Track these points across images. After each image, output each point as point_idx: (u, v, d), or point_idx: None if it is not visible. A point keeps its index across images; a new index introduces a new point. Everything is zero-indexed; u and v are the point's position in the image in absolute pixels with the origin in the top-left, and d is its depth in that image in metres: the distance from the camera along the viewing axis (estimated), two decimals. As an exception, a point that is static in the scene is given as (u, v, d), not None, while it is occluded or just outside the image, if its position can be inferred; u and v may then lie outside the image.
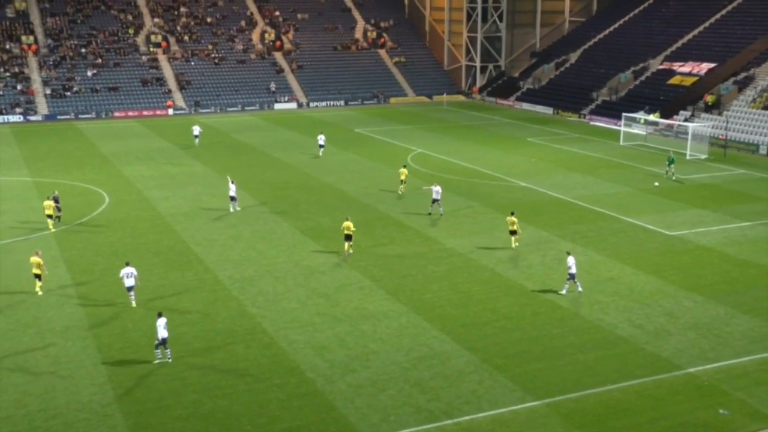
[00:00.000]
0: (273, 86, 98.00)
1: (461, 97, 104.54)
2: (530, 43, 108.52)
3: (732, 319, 30.38)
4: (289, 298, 32.48)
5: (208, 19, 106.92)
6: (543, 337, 28.74)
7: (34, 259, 33.12)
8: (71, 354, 27.23)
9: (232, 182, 46.68)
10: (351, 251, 37.79)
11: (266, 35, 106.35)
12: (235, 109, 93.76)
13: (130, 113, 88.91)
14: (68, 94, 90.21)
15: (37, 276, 32.95)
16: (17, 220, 44.18)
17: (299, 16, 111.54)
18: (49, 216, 42.30)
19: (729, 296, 32.73)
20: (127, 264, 31.85)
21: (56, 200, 42.98)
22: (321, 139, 64.62)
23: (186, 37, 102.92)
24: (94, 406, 23.76)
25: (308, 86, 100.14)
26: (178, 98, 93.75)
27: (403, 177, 50.91)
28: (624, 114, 72.61)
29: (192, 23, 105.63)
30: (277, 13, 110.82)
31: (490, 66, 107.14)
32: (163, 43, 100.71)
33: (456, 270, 36.00)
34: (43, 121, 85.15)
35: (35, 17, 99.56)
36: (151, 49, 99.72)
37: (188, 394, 24.49)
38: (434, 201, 45.03)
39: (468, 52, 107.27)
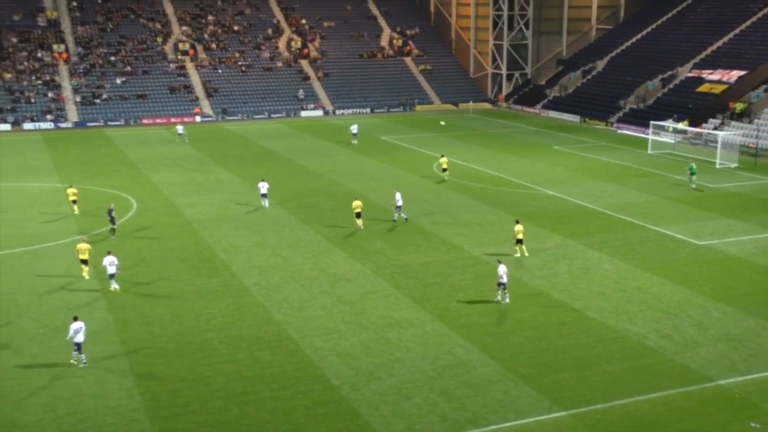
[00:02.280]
0: (301, 94, 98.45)
1: (487, 105, 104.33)
2: (557, 50, 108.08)
3: (764, 330, 29.93)
4: (315, 306, 32.52)
5: (235, 27, 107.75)
6: (569, 347, 28.51)
7: (82, 245, 35.39)
8: (99, 358, 27.43)
9: (263, 180, 49.24)
10: (362, 227, 42.49)
11: (293, 43, 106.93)
12: (262, 116, 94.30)
13: (158, 120, 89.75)
14: (97, 101, 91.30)
15: (85, 261, 35.13)
16: (47, 226, 44.70)
17: (325, 24, 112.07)
18: (74, 201, 47.03)
19: (760, 307, 32.25)
20: (109, 253, 34.16)
21: (111, 212, 42.81)
22: (354, 128, 69.00)
23: (213, 45, 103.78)
24: (121, 410, 23.93)
25: (334, 94, 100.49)
26: (206, 105, 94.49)
27: (444, 165, 56.18)
28: (652, 122, 72.02)
29: (219, 31, 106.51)
30: (304, 21, 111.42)
31: (516, 74, 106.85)
32: (191, 51, 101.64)
33: (482, 278, 35.83)
34: (73, 128, 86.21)
35: (66, 26, 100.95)
36: (179, 57, 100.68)
37: (214, 400, 24.58)
38: (398, 208, 45.12)
39: (494, 59, 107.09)
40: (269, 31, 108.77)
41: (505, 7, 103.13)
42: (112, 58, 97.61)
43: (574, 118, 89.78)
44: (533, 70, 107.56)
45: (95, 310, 31.97)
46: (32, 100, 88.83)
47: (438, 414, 23.74)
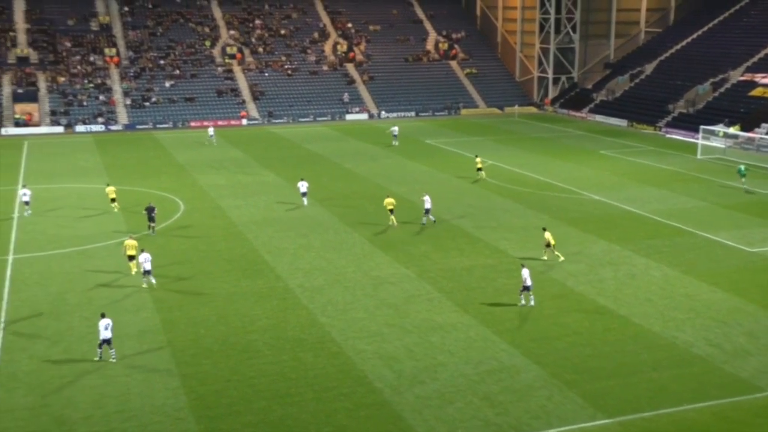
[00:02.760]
0: (346, 97, 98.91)
1: (533, 109, 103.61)
2: (604, 54, 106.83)
3: (815, 340, 29.22)
4: (358, 308, 32.62)
5: (282, 31, 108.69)
6: (615, 354, 28.15)
7: (130, 242, 36.70)
8: (146, 358, 27.91)
9: (303, 180, 50.97)
10: (395, 223, 44.02)
11: (338, 47, 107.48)
12: (307, 119, 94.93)
13: (206, 123, 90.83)
14: (147, 104, 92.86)
15: (132, 257, 36.29)
16: (97, 226, 45.58)
17: (371, 27, 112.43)
18: (113, 199, 49.21)
19: (812, 316, 31.50)
20: (143, 250, 35.24)
21: (151, 210, 44.02)
22: (395, 130, 72.92)
23: (260, 49, 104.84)
24: (167, 409, 24.29)
25: (379, 97, 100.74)
26: (252, 109, 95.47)
27: (479, 165, 57.65)
28: (702, 127, 70.75)
29: (266, 35, 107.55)
30: (350, 24, 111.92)
31: (563, 77, 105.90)
32: (238, 55, 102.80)
33: (526, 283, 35.59)
34: (123, 130, 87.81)
35: (118, 30, 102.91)
36: (227, 61, 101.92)
37: (258, 401, 24.81)
38: (426, 211, 45.24)
39: (540, 63, 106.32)
40: (315, 34, 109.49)
41: (552, 11, 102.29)
42: (162, 62, 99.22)
43: (622, 123, 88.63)
44: (580, 73, 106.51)
45: (142, 309, 32.50)
46: (84, 103, 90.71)
47: (481, 419, 23.64)
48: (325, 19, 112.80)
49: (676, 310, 32.17)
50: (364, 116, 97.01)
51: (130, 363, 27.43)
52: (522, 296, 32.75)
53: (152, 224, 43.74)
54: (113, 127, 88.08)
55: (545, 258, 38.69)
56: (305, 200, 50.21)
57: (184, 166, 65.03)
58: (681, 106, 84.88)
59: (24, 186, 50.57)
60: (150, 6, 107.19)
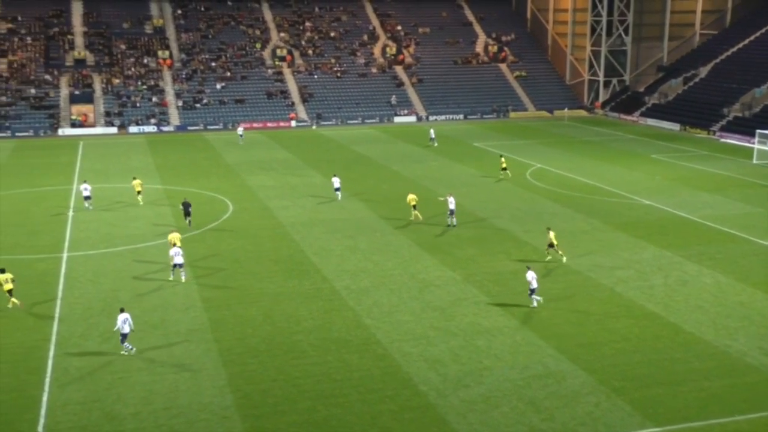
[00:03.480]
0: (394, 99, 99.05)
1: (583, 112, 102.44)
2: (657, 56, 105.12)
3: None
4: (404, 311, 32.60)
5: (332, 34, 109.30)
6: (664, 361, 27.64)
7: (174, 234, 38.46)
8: (194, 356, 28.27)
9: (336, 176, 53.26)
10: (416, 218, 45.96)
11: (387, 49, 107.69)
12: (356, 121, 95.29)
13: (255, 125, 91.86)
14: (198, 105, 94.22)
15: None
16: (148, 226, 46.35)
17: (420, 30, 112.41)
18: (138, 192, 51.46)
19: None
20: (174, 245, 36.65)
21: (187, 206, 45.43)
22: (432, 132, 75.94)
23: (310, 51, 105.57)
24: (214, 407, 24.57)
25: (428, 100, 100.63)
26: (301, 111, 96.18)
27: (503, 165, 59.52)
28: (758, 131, 69.13)
29: (316, 37, 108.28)
30: (399, 27, 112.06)
31: (614, 80, 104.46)
32: (288, 57, 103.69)
33: (573, 288, 35.19)
34: (174, 131, 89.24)
35: (171, 33, 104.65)
36: (277, 63, 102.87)
37: (303, 401, 24.94)
38: (451, 212, 45.23)
39: (591, 66, 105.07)
40: (365, 37, 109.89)
41: (603, 13, 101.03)
42: (213, 64, 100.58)
43: (674, 127, 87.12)
44: (632, 76, 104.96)
45: (191, 308, 32.94)
46: (137, 105, 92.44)
47: (526, 424, 23.42)
48: (375, 22, 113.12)
49: (728, 318, 31.47)
50: (413, 119, 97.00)
51: (178, 361, 27.81)
52: (532, 298, 32.75)
53: (188, 218, 45.32)
54: (165, 128, 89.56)
55: (548, 259, 38.55)
56: (339, 195, 52.32)
57: (233, 166, 65.79)
58: (736, 110, 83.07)
59: (84, 182, 52.13)
60: (202, 9, 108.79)
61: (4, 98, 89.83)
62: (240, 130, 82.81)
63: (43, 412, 24.26)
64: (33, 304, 33.48)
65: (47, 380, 26.35)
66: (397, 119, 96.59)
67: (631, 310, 32.49)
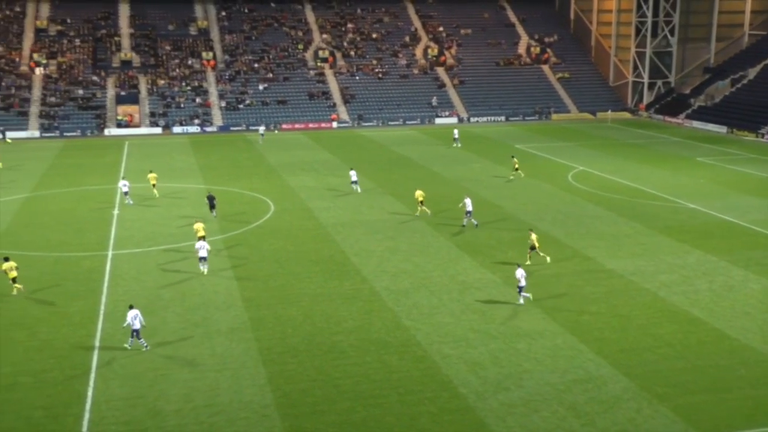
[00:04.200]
0: (435, 101, 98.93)
1: (626, 114, 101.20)
2: (704, 58, 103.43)
3: None
4: (444, 313, 32.53)
5: (374, 35, 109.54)
6: (709, 368, 27.18)
7: (198, 225, 40.61)
8: (235, 354, 28.55)
9: (352, 169, 56.43)
10: (419, 213, 47.67)
11: (429, 50, 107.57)
12: (397, 123, 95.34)
13: (297, 125, 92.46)
14: (241, 106, 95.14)
15: (202, 238, 39.29)
16: (191, 225, 46.83)
17: (462, 31, 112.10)
18: (154, 185, 54.30)
19: None
20: (202, 239, 38.40)
21: (212, 199, 48.40)
22: (455, 133, 77.49)
23: (352, 52, 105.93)
24: (254, 406, 24.78)
25: (469, 101, 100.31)
26: (342, 112, 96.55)
27: (516, 166, 59.93)
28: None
29: (358, 39, 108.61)
30: (441, 28, 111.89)
31: (659, 82, 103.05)
32: (330, 58, 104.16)
33: (615, 292, 34.79)
34: (217, 132, 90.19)
35: (215, 34, 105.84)
36: (319, 64, 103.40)
37: (342, 401, 25.03)
38: (468, 213, 45.52)
39: (635, 67, 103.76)
40: (407, 38, 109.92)
41: (649, 14, 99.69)
42: (256, 65, 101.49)
43: (721, 129, 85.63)
44: (677, 78, 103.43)
45: (232, 307, 33.27)
46: (182, 105, 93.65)
47: (566, 429, 23.21)
48: (417, 23, 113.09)
49: (775, 325, 30.85)
50: (454, 120, 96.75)
51: (219, 359, 28.10)
52: (521, 296, 33.23)
53: (214, 211, 47.92)
54: (208, 129, 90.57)
55: (529, 262, 38.31)
56: (356, 187, 55.25)
57: (275, 167, 66.28)
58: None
59: (123, 178, 54.05)
60: (246, 10, 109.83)
61: (53, 99, 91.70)
62: (261, 129, 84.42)
63: (88, 407, 24.71)
64: (78, 300, 34.15)
65: (92, 376, 26.84)
66: (438, 121, 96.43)
67: (675, 316, 32.01)
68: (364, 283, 36.22)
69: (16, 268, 35.04)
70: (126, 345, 29.01)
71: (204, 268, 37.48)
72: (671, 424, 23.41)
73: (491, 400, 24.97)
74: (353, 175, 56.01)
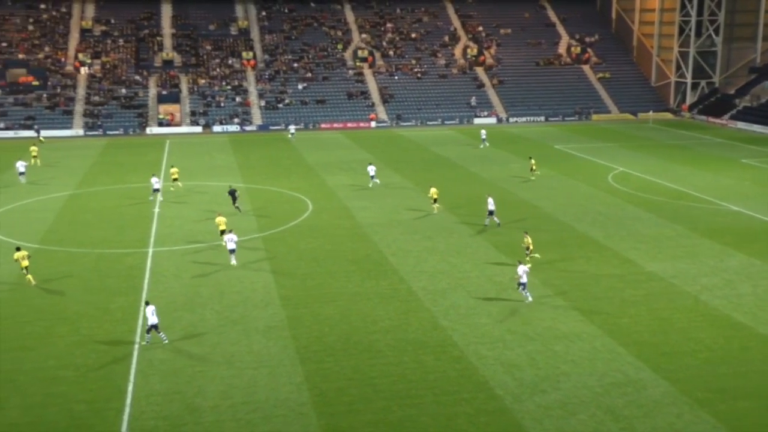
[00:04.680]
0: (473, 101, 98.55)
1: (669, 115, 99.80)
2: (749, 57, 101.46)
3: None
4: (481, 314, 32.39)
5: (413, 35, 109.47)
6: (753, 374, 26.68)
7: (220, 218, 42.26)
8: (272, 352, 28.74)
9: (371, 164, 58.41)
10: (436, 210, 48.62)
11: (468, 50, 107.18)
12: (435, 122, 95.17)
13: (336, 125, 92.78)
14: (280, 106, 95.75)
15: (223, 232, 41.07)
16: (229, 224, 47.21)
17: (502, 31, 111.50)
18: (175, 179, 56.90)
19: None
20: (230, 231, 39.41)
21: (234, 192, 50.05)
22: (483, 133, 77.14)
23: (391, 52, 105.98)
24: (290, 404, 24.92)
25: (508, 101, 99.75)
26: (381, 111, 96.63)
27: (533, 166, 60.19)
28: None
29: (397, 38, 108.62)
30: (481, 28, 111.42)
31: (703, 82, 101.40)
32: (369, 58, 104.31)
33: (656, 295, 34.32)
34: (256, 131, 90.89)
35: (255, 34, 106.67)
36: (358, 64, 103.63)
37: (378, 401, 25.06)
38: (490, 213, 45.60)
39: (678, 67, 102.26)
40: (446, 38, 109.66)
41: (693, 13, 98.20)
42: (295, 65, 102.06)
43: (766, 130, 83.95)
44: (721, 78, 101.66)
45: (270, 305, 33.50)
46: (222, 104, 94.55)
47: (604, 433, 22.97)
48: (456, 23, 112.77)
49: (821, 331, 30.18)
50: (493, 120, 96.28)
51: (257, 357, 28.31)
52: (524, 293, 33.35)
53: (236, 204, 49.34)
54: (248, 128, 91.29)
55: (530, 264, 37.47)
56: (376, 182, 57.18)
57: (313, 166, 66.58)
58: (833, 114, 79.55)
59: (153, 175, 55.35)
60: (286, 10, 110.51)
61: (96, 98, 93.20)
62: (292, 128, 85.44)
63: (128, 401, 25.08)
64: (120, 297, 34.68)
65: (132, 371, 27.23)
66: (477, 121, 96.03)
67: (717, 320, 31.48)
68: (402, 283, 36.21)
69: (28, 257, 36.20)
70: (144, 342, 29.47)
71: (234, 261, 38.56)
72: (713, 430, 23.03)
73: (528, 402, 24.81)
74: (371, 170, 57.61)
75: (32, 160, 66.64)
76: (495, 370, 27.11)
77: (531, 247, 38.67)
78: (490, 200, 45.89)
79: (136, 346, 29.25)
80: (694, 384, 25.92)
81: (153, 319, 29.18)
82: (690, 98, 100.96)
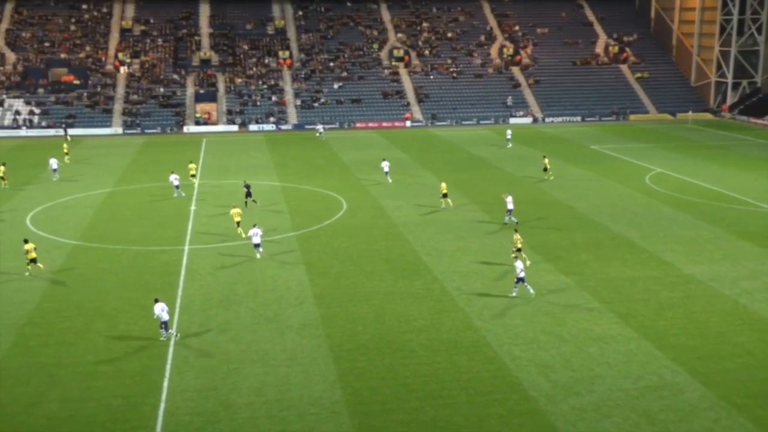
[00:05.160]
0: (510, 100, 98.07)
1: (708, 115, 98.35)
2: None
3: None
4: (515, 314, 32.23)
5: (449, 34, 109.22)
6: (792, 379, 26.23)
7: (235, 210, 44.01)
8: (306, 350, 28.89)
9: (385, 160, 59.97)
10: (447, 205, 49.92)
11: (505, 50, 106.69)
12: (471, 122, 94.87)
13: (371, 124, 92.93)
14: (315, 105, 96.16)
15: (238, 223, 43.43)
16: (265, 222, 47.61)
17: (539, 30, 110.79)
18: (193, 175, 58.78)
19: None
20: (255, 225, 40.34)
21: (248, 187, 51.10)
22: (508, 133, 77.45)
23: (426, 52, 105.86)
24: (324, 402, 25.03)
25: (544, 101, 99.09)
26: (416, 111, 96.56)
27: (547, 166, 59.18)
28: None
29: (433, 38, 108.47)
30: (517, 27, 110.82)
31: (744, 82, 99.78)
32: (405, 57, 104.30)
33: (693, 298, 33.87)
34: (291, 130, 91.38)
35: (291, 34, 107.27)
36: (393, 63, 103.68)
37: (411, 400, 25.06)
38: (509, 211, 45.78)
39: (719, 67, 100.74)
40: (482, 37, 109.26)
41: (735, 11, 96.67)
42: (331, 64, 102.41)
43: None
44: (763, 78, 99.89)
45: (304, 303, 33.67)
46: (258, 103, 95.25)
47: (639, 437, 22.73)
48: (492, 22, 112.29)
49: None
50: (528, 120, 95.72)
51: (291, 355, 28.48)
52: (515, 288, 33.85)
53: (251, 198, 50.49)
54: (283, 127, 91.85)
55: (529, 262, 38.06)
56: (388, 178, 58.87)
57: (348, 165, 66.76)
58: None
59: (172, 172, 56.18)
60: (322, 10, 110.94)
61: (135, 97, 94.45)
62: (320, 127, 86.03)
63: (164, 396, 25.40)
64: (156, 293, 35.10)
65: (168, 367, 27.56)
66: (512, 120, 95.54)
67: (756, 323, 30.96)
68: (435, 283, 36.17)
69: (35, 249, 37.51)
70: (161, 338, 29.82)
71: (258, 255, 39.84)
72: (750, 436, 22.69)
73: (562, 404, 24.64)
74: (386, 167, 59.10)
75: (65, 157, 67.98)
76: (529, 371, 26.97)
77: (520, 246, 38.20)
78: (509, 199, 45.92)
79: (172, 343, 29.59)
80: (733, 389, 25.53)
81: (164, 316, 29.60)
82: (731, 98, 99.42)
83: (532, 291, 33.90)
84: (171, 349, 29.02)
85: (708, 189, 55.73)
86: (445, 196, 50.43)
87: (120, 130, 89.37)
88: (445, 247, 41.76)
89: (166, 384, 26.27)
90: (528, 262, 38.03)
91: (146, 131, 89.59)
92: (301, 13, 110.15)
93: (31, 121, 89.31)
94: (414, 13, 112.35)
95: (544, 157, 61.63)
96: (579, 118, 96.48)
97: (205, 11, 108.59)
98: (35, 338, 30.11)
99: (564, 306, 33.05)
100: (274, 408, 24.67)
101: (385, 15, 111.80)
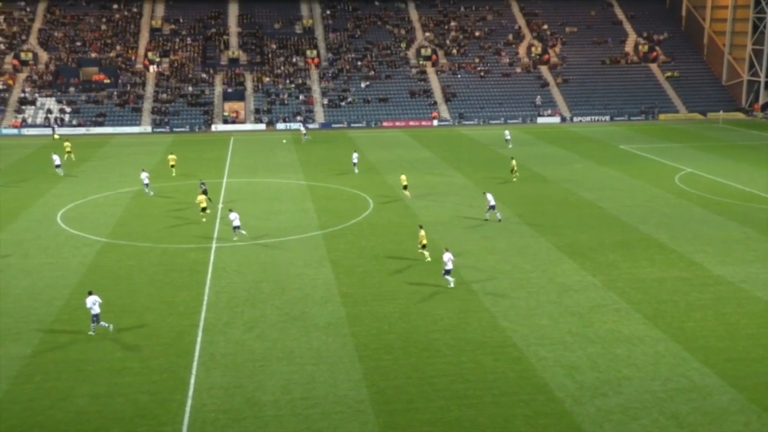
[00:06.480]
0: (539, 100, 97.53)
1: (740, 115, 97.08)
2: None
3: None
4: (541, 315, 32.05)
5: (477, 33, 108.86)
6: (824, 383, 25.79)
7: (201, 197, 47.50)
8: (332, 349, 28.94)
9: (355, 151, 62.59)
10: (405, 198, 51.88)
11: (533, 49, 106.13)
12: (498, 122, 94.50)
13: (398, 123, 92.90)
14: (343, 104, 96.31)
15: (204, 209, 47.21)
16: (291, 220, 47.87)
17: (567, 29, 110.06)
18: (173, 166, 62.36)
19: None
20: (231, 210, 43.50)
21: (203, 184, 52.09)
22: (507, 134, 77.14)
23: (454, 51, 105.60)
24: (349, 401, 25.06)
25: (573, 101, 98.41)
26: (443, 110, 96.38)
27: (515, 167, 59.19)
28: None
29: (461, 37, 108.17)
30: (545, 26, 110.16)
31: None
32: (433, 57, 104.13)
33: (723, 299, 33.44)
34: (319, 128, 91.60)
35: (319, 33, 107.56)
36: (421, 62, 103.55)
37: (436, 400, 25.01)
38: (491, 208, 46.41)
39: (751, 66, 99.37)
40: (510, 36, 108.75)
41: None
42: (359, 63, 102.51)
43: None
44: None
45: (329, 302, 33.74)
46: (285, 102, 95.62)
47: (667, 439, 22.48)
48: (521, 21, 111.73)
49: None
50: (556, 120, 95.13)
51: (316, 353, 28.54)
52: (447, 278, 34.98)
53: (207, 196, 49.30)
54: (310, 126, 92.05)
55: (428, 260, 38.51)
56: (356, 169, 62.19)
57: (375, 164, 66.78)
58: None
59: (143, 170, 57.52)
60: (350, 9, 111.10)
61: (164, 95, 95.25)
62: (303, 129, 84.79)
63: (190, 393, 25.58)
64: (183, 291, 35.38)
65: (195, 364, 27.76)
66: (540, 120, 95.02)
67: (788, 326, 30.52)
68: (461, 283, 36.05)
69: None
70: (90, 332, 30.22)
71: (235, 236, 42.79)
72: (780, 440, 22.36)
73: (588, 406, 24.45)
74: (355, 158, 62.91)
75: (66, 156, 68.73)
76: (555, 372, 26.80)
77: (425, 242, 38.76)
78: (489, 196, 46.69)
79: (199, 340, 29.80)
80: (764, 392, 25.16)
81: (95, 309, 29.96)
82: (763, 98, 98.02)
83: (452, 285, 35.01)
84: (198, 347, 29.21)
85: (739, 189, 55.01)
86: (405, 188, 52.24)
87: (149, 129, 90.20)
88: (471, 247, 41.62)
89: (192, 381, 26.46)
90: (428, 259, 38.70)
91: (175, 130, 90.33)
92: (329, 12, 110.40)
93: (62, 119, 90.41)
94: (442, 12, 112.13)
95: (512, 158, 61.08)
96: (607, 118, 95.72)
97: (233, 11, 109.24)
98: (64, 335, 30.48)
99: (591, 306, 32.80)
100: (299, 406, 24.74)
101: (413, 14, 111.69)
